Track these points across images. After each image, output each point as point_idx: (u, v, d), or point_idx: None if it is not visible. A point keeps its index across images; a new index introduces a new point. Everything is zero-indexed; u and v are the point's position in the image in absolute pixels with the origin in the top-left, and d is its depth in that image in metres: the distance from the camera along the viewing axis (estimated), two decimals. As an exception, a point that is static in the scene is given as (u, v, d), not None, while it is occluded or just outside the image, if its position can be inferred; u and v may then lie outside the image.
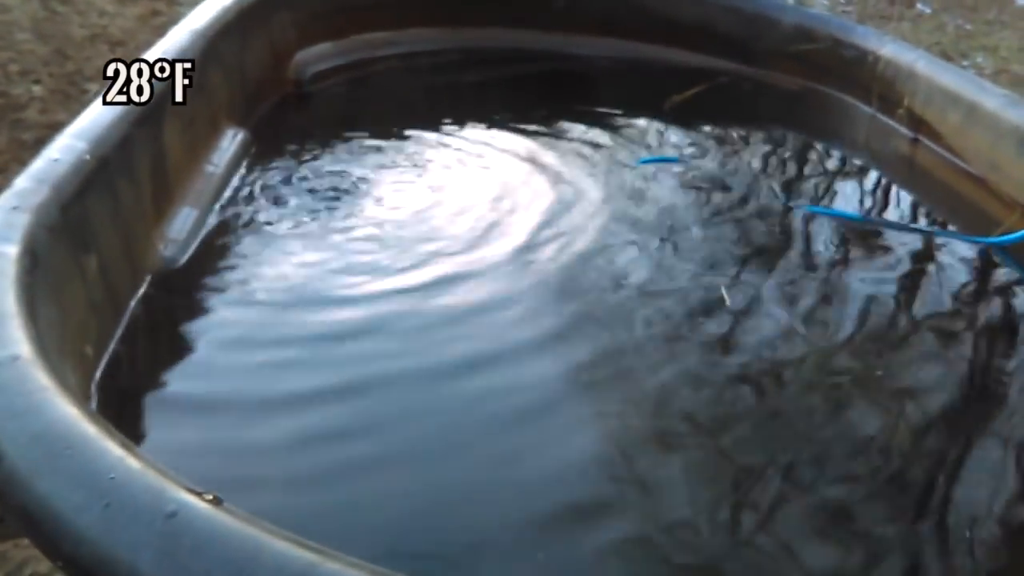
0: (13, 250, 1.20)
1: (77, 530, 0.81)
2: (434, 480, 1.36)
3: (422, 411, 1.50)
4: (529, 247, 1.99)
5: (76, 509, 0.82)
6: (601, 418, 1.52)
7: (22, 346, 1.01)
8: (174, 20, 2.77)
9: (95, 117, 1.59)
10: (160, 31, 2.65)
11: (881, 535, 1.34)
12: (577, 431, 1.49)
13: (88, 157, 1.48)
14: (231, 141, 2.22)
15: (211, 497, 0.84)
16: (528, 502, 1.33)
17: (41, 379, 0.96)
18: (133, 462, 0.85)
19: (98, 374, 1.41)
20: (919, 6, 5.37)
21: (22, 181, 1.36)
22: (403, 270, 1.86)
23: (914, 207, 2.43)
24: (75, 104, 2.69)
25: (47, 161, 1.42)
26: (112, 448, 0.87)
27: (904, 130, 2.69)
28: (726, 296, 1.86)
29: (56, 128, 2.19)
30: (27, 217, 1.28)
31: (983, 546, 1.34)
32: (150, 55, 1.91)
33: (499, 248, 1.98)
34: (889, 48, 2.77)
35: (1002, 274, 2.13)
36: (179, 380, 1.51)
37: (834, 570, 1.29)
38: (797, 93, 3.00)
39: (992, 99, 2.40)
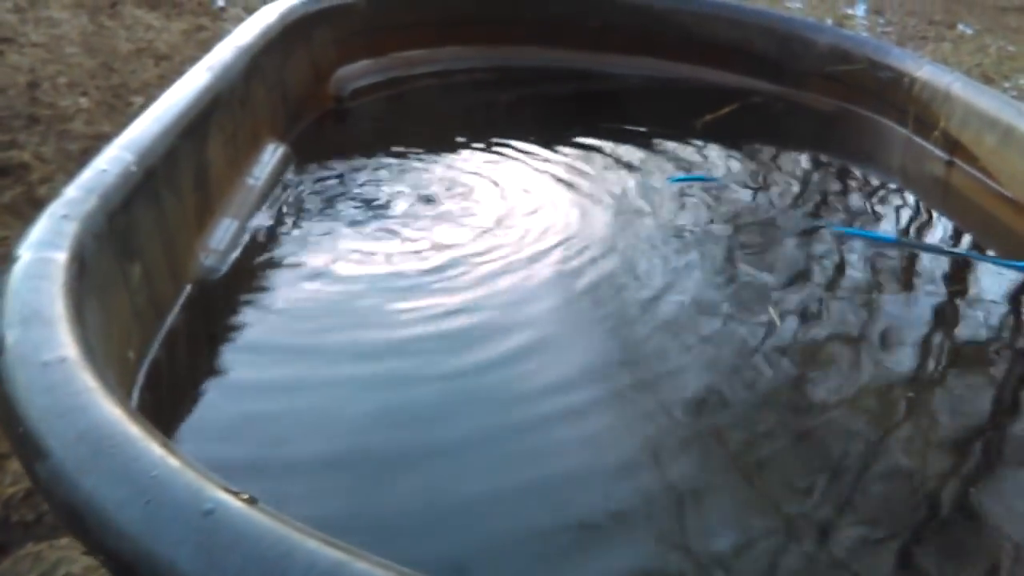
0: (62, 256, 1.25)
1: (119, 526, 0.84)
2: (458, 485, 1.38)
3: (453, 415, 1.53)
4: (561, 265, 2.01)
5: (119, 505, 0.85)
6: (631, 430, 1.53)
7: (70, 348, 1.06)
8: (218, 36, 2.85)
9: (142, 129, 1.64)
10: (204, 46, 2.72)
11: (915, 557, 1.33)
12: (606, 441, 1.50)
13: (135, 168, 1.53)
14: (272, 155, 2.27)
15: (246, 497, 0.87)
16: (552, 511, 1.34)
17: (87, 380, 1.00)
18: (173, 461, 0.89)
19: (140, 379, 1.45)
20: (960, 27, 5.33)
21: (71, 190, 1.41)
22: (439, 287, 1.88)
23: (949, 230, 2.42)
24: (120, 116, 2.76)
25: (96, 171, 1.47)
26: (153, 447, 0.91)
27: (939, 152, 2.68)
28: (775, 316, 1.86)
29: (101, 139, 2.25)
30: (76, 225, 1.32)
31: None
32: (194, 70, 1.97)
33: (533, 265, 2.00)
34: (925, 70, 2.77)
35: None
36: (217, 387, 1.54)
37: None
38: (831, 114, 3.00)
39: (1029, 122, 2.39)
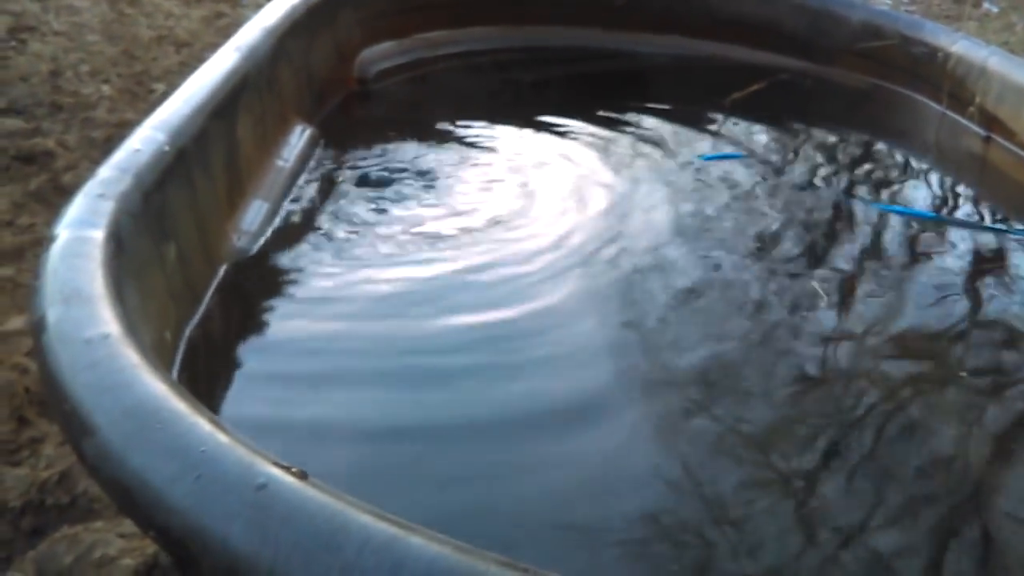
0: (99, 235, 1.24)
1: (170, 501, 0.83)
2: (479, 477, 1.37)
3: (475, 404, 1.51)
4: (590, 245, 1.98)
5: (169, 481, 0.84)
6: (660, 422, 1.50)
7: (112, 325, 1.04)
8: (238, 22, 2.83)
9: (174, 110, 1.63)
10: (224, 32, 2.71)
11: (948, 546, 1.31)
12: (632, 437, 1.47)
13: (167, 148, 1.52)
14: (299, 137, 2.26)
15: (297, 471, 0.85)
16: (571, 508, 1.32)
17: (131, 356, 0.99)
18: (222, 436, 0.87)
19: (177, 359, 1.44)
20: (986, 5, 5.24)
21: (105, 170, 1.40)
22: (466, 268, 1.86)
23: (987, 206, 2.37)
24: (142, 103, 2.75)
25: (129, 151, 1.46)
26: (202, 423, 0.89)
27: (976, 128, 2.63)
28: (820, 291, 1.83)
29: (124, 126, 2.24)
30: (112, 204, 1.31)
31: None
32: (221, 51, 1.95)
33: (561, 247, 1.97)
34: (960, 45, 2.71)
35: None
36: (252, 370, 1.54)
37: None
38: (864, 91, 2.95)
39: (1069, 95, 2.34)
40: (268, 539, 0.78)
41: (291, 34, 2.29)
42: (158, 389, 0.94)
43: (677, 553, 1.25)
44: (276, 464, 0.85)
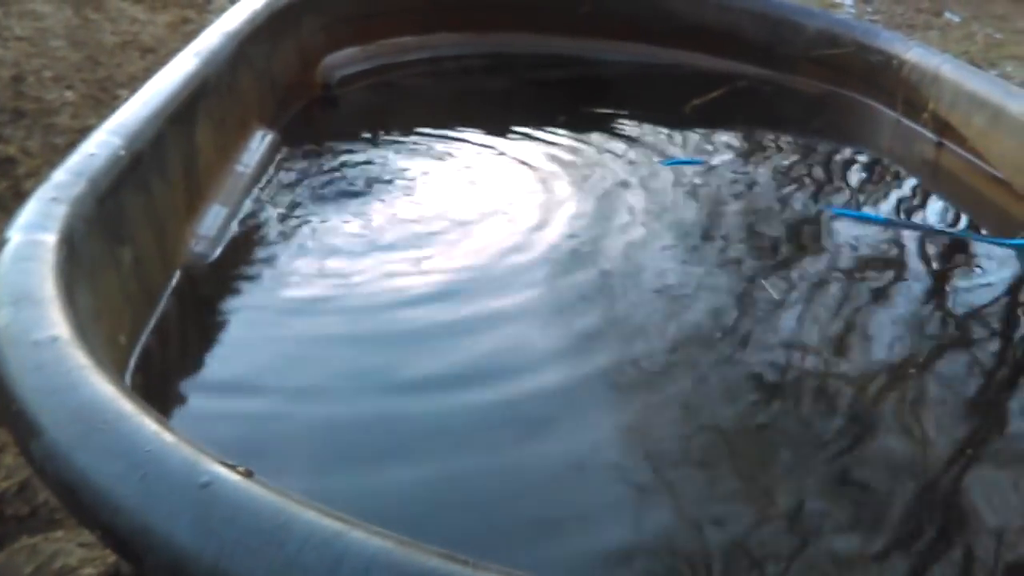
0: (51, 239, 1.24)
1: (115, 500, 0.84)
2: (446, 477, 1.37)
3: (444, 409, 1.51)
4: (553, 250, 2.00)
5: (114, 480, 0.85)
6: (622, 423, 1.52)
7: (61, 328, 1.05)
8: (204, 28, 2.82)
9: (130, 114, 1.63)
10: (190, 38, 2.68)
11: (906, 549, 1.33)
12: (597, 436, 1.48)
13: (123, 153, 1.52)
14: (260, 142, 2.26)
15: (243, 470, 0.86)
16: (541, 506, 1.34)
17: (80, 358, 0.99)
18: (168, 436, 0.88)
19: (131, 363, 1.44)
20: (947, 15, 5.34)
21: (60, 174, 1.40)
22: (428, 272, 1.87)
23: (939, 210, 2.42)
24: (106, 109, 2.73)
25: (84, 155, 1.46)
26: (147, 423, 0.90)
27: (929, 134, 2.69)
28: (771, 290, 1.85)
29: (88, 133, 2.23)
30: (65, 208, 1.31)
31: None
32: (181, 56, 1.96)
33: (523, 250, 1.99)
34: (914, 52, 2.77)
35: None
36: (208, 372, 1.54)
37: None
38: (820, 97, 3.00)
39: (1017, 102, 2.40)
40: (211, 536, 0.79)
41: (253, 39, 2.29)
42: (105, 390, 0.95)
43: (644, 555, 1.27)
44: (221, 463, 0.86)
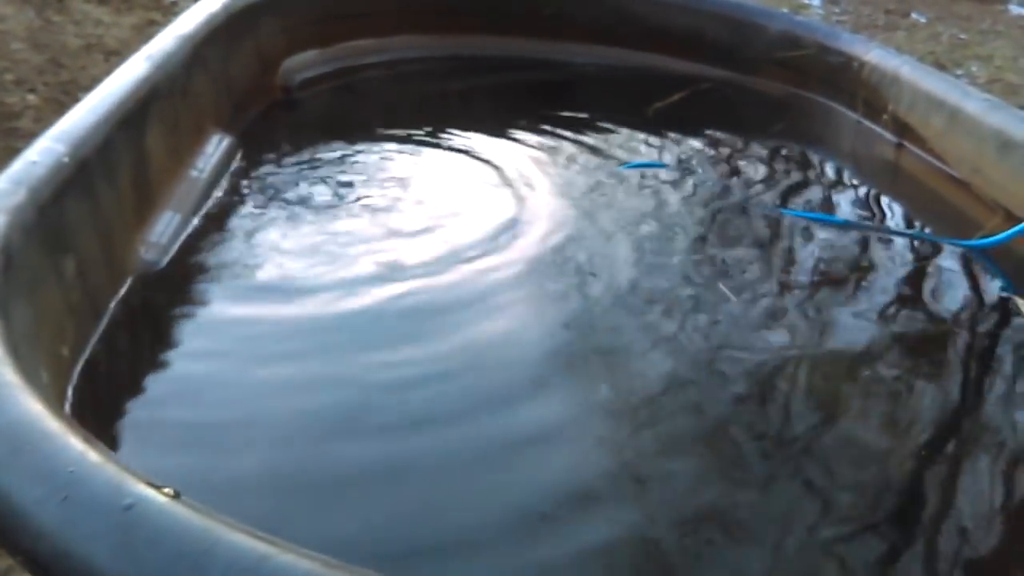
0: (-14, 250, 1.21)
1: (36, 524, 0.82)
2: (423, 479, 1.36)
3: (409, 415, 1.49)
4: (514, 255, 1.98)
5: (35, 503, 0.83)
6: (593, 421, 1.52)
7: (-10, 344, 1.02)
8: (168, 30, 2.79)
9: (76, 120, 1.60)
10: (155, 40, 2.65)
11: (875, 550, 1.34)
12: (571, 436, 1.48)
13: (67, 160, 1.49)
14: (216, 147, 2.23)
15: (171, 491, 0.84)
16: (519, 501, 1.33)
17: (6, 375, 0.97)
18: (93, 456, 0.86)
19: (75, 375, 1.41)
20: (914, 16, 5.39)
21: (-1, 183, 1.37)
22: (387, 277, 1.85)
23: (898, 211, 2.44)
24: (69, 113, 2.70)
25: (25, 163, 1.43)
26: (73, 443, 0.88)
27: (889, 135, 2.70)
28: (728, 293, 1.86)
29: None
30: (2, 218, 1.28)
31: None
32: (132, 59, 1.92)
33: (486, 255, 1.97)
34: (874, 54, 2.79)
35: (984, 276, 2.14)
36: (157, 382, 1.51)
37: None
38: (782, 99, 3.01)
39: (974, 103, 2.41)
40: (133, 561, 0.77)
41: (208, 42, 2.26)
42: (32, 409, 0.92)
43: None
44: (147, 483, 0.84)
